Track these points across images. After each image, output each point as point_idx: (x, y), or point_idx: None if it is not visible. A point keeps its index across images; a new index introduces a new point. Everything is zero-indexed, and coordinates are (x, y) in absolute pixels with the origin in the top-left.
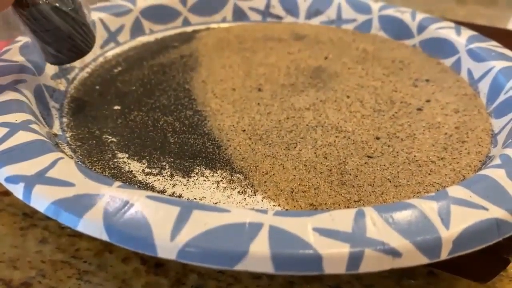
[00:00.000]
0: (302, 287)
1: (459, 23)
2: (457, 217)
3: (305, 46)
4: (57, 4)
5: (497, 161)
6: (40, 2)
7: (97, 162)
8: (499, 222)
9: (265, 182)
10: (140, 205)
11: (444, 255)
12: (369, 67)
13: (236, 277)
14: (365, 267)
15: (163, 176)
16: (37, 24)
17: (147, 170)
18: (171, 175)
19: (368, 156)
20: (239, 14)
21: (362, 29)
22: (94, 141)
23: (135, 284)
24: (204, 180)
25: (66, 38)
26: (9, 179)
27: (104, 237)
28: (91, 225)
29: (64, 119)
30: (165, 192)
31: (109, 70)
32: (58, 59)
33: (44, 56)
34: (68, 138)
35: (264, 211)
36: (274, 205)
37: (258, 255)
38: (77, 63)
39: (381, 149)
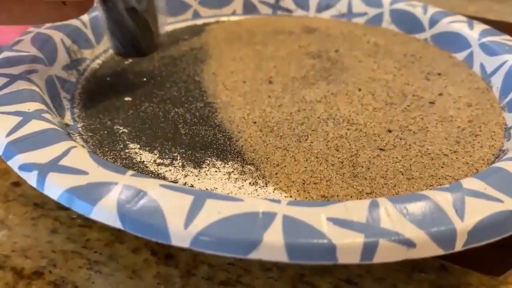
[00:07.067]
0: (313, 279)
1: (472, 18)
2: (472, 208)
3: (316, 40)
4: (133, 3)
5: (511, 154)
6: None
7: (108, 153)
8: None
9: (276, 173)
10: (153, 193)
11: (458, 247)
12: (380, 60)
13: (247, 268)
14: (379, 258)
15: (175, 166)
16: (109, 14)
17: (158, 160)
18: (183, 166)
19: (380, 149)
20: (249, 7)
21: (373, 23)
22: (106, 132)
23: (146, 275)
24: (216, 171)
25: (129, 34)
26: (23, 167)
27: (118, 225)
28: (104, 213)
29: (76, 110)
30: (176, 182)
31: (120, 61)
32: (118, 50)
33: (110, 43)
34: (80, 129)
35: (277, 201)
36: (285, 197)
37: (272, 244)
38: (88, 55)
39: (393, 142)
